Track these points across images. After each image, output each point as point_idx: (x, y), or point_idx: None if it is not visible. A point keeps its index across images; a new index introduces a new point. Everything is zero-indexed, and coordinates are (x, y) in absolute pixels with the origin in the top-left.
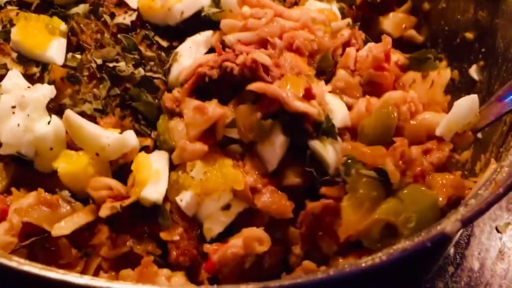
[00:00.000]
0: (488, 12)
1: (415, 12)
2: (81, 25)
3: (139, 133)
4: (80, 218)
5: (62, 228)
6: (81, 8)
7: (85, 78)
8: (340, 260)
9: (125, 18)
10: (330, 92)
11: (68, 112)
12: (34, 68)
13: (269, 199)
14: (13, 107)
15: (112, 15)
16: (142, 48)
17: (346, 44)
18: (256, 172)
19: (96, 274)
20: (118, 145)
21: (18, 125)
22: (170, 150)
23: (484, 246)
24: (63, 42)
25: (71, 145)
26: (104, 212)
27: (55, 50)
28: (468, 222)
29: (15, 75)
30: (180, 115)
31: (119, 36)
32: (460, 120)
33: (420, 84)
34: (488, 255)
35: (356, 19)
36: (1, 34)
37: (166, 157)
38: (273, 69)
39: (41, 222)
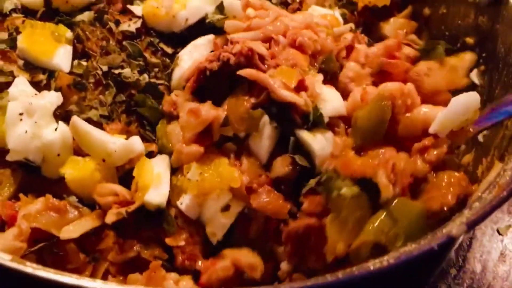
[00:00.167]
0: (488, 18)
1: (415, 17)
2: (87, 33)
3: (144, 139)
4: (87, 222)
5: (70, 231)
6: (86, 16)
7: (91, 84)
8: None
9: (130, 25)
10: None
11: (75, 119)
12: (41, 75)
13: (265, 199)
14: (21, 114)
15: (117, 22)
16: (147, 54)
17: (350, 47)
18: (253, 171)
19: (104, 278)
20: (124, 151)
21: (26, 131)
22: (170, 154)
23: (486, 248)
24: (69, 49)
25: (78, 151)
26: (110, 218)
27: (61, 58)
28: (473, 225)
29: (22, 82)
30: (178, 118)
31: (124, 43)
32: (456, 117)
33: (438, 71)
34: (490, 257)
35: (357, 25)
36: (7, 41)
37: (167, 161)
38: (269, 59)
39: (50, 227)
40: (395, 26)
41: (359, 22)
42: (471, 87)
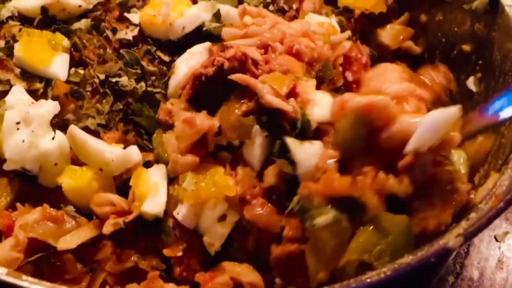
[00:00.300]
0: (484, 25)
1: (412, 23)
2: (84, 41)
3: (141, 148)
4: (85, 232)
5: (68, 242)
6: (83, 24)
7: (88, 93)
8: None
9: (127, 33)
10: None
11: (72, 128)
12: (38, 84)
13: (259, 211)
14: (18, 123)
15: (114, 30)
16: (144, 63)
17: (347, 56)
18: (247, 182)
19: None
20: (122, 160)
21: (23, 141)
22: (167, 163)
23: (483, 255)
24: (66, 57)
25: (75, 161)
26: (108, 228)
27: (58, 66)
28: (470, 237)
29: (18, 91)
30: (173, 127)
31: (121, 51)
32: (433, 135)
33: None
34: (487, 264)
35: (354, 32)
36: (4, 50)
37: (163, 170)
38: (262, 64)
39: (47, 237)
40: (392, 33)
41: (356, 29)
42: (467, 94)
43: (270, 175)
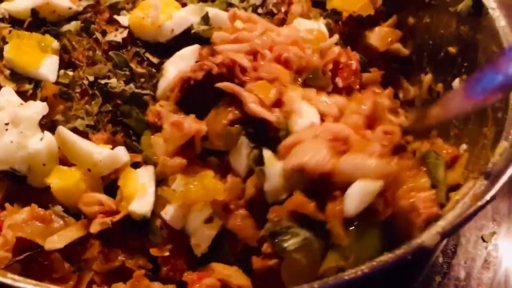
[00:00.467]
0: (469, 27)
1: (400, 26)
2: (73, 43)
3: (130, 149)
4: (72, 232)
5: (55, 242)
6: (73, 26)
7: (77, 94)
8: None
9: (116, 36)
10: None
11: (61, 129)
12: (27, 85)
13: (239, 223)
14: (6, 124)
15: (104, 33)
16: (133, 64)
17: (337, 62)
18: (234, 192)
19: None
20: (110, 161)
21: (11, 141)
22: (155, 165)
23: (470, 255)
24: (55, 59)
25: (64, 161)
26: (95, 227)
27: (48, 68)
28: (446, 235)
29: (8, 92)
30: (162, 129)
31: (110, 53)
32: (360, 204)
33: None
34: (474, 264)
35: (342, 34)
36: None
37: (151, 171)
38: (250, 71)
39: (35, 237)
40: (380, 35)
41: (344, 31)
42: None
43: (250, 187)
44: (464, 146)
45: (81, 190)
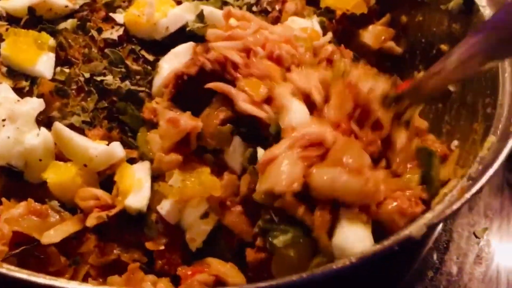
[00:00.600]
0: (460, 25)
1: (393, 24)
2: (69, 40)
3: (126, 145)
4: (68, 227)
5: (52, 236)
6: (69, 24)
7: (73, 91)
8: None
9: (112, 33)
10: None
11: (57, 125)
12: (24, 82)
13: (235, 219)
14: (3, 120)
15: (100, 30)
16: (128, 62)
17: (330, 60)
18: (230, 189)
19: (84, 281)
20: (106, 157)
21: (8, 137)
22: (151, 161)
23: (463, 250)
24: (51, 56)
25: (60, 157)
26: (91, 221)
27: (44, 65)
28: (433, 226)
29: (4, 89)
30: (158, 126)
31: (106, 50)
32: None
33: None
34: (467, 259)
35: (336, 33)
36: None
37: (148, 166)
38: (242, 67)
39: (31, 231)
40: (374, 33)
41: (338, 29)
42: (446, 93)
43: (244, 184)
44: (455, 143)
45: (77, 185)
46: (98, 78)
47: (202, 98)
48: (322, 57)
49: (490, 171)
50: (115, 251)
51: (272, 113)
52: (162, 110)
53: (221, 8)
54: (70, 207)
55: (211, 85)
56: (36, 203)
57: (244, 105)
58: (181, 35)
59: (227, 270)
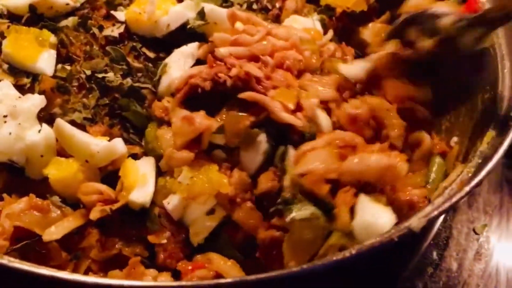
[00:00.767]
0: None
1: (393, 22)
2: (71, 38)
3: (127, 141)
4: (70, 222)
5: (53, 233)
6: (70, 21)
7: (75, 88)
8: None
9: (113, 31)
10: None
11: (59, 121)
12: (25, 79)
13: (245, 215)
14: (5, 116)
15: (101, 28)
16: (130, 59)
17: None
18: (240, 186)
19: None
20: (107, 152)
21: (10, 133)
22: (158, 157)
23: (462, 247)
24: (53, 53)
25: (61, 153)
26: (95, 214)
27: (45, 62)
28: (433, 219)
29: (6, 86)
30: (168, 123)
31: (107, 48)
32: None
33: None
34: (466, 256)
35: (336, 30)
36: None
37: (152, 162)
38: (265, 80)
39: (32, 226)
40: (374, 31)
41: (338, 27)
42: None
43: (264, 182)
44: (455, 139)
45: (78, 181)
46: (100, 75)
47: (213, 102)
48: (325, 56)
49: (490, 165)
50: (116, 245)
51: (305, 121)
52: (175, 108)
53: (221, 5)
54: (72, 203)
55: (245, 95)
56: (38, 199)
57: (284, 115)
58: (182, 32)
59: (228, 267)
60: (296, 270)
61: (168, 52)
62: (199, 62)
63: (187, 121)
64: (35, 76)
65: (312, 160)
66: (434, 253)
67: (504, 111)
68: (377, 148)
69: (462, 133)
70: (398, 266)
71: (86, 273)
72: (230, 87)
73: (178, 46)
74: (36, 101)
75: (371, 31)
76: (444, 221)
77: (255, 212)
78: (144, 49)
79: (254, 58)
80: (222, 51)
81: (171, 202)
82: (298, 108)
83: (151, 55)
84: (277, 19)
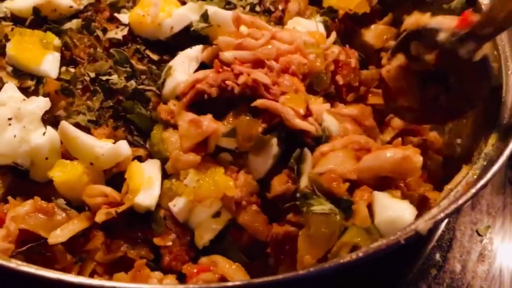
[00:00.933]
0: None
1: (395, 24)
2: (75, 40)
3: (132, 144)
4: (75, 225)
5: (58, 236)
6: (74, 24)
7: (79, 90)
8: None
9: (117, 33)
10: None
11: (63, 123)
12: (29, 81)
13: (250, 218)
14: (10, 119)
15: (105, 30)
16: (133, 61)
17: (337, 61)
18: (246, 189)
19: (91, 278)
20: (112, 155)
21: (15, 136)
22: (163, 160)
23: (466, 248)
24: (57, 56)
25: (66, 155)
26: (100, 217)
27: (49, 64)
28: (439, 221)
29: (10, 88)
30: (174, 126)
31: (111, 50)
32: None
33: None
34: (470, 257)
35: (338, 32)
36: None
37: (158, 165)
38: (272, 87)
39: (38, 229)
40: (376, 33)
41: (340, 29)
42: None
43: (277, 185)
44: (458, 140)
45: (83, 183)
46: (104, 78)
47: (220, 106)
48: (329, 60)
49: (495, 167)
50: (122, 248)
51: (317, 125)
52: (181, 112)
53: (225, 8)
54: (76, 205)
55: (258, 103)
56: (43, 201)
57: (296, 121)
58: (186, 35)
59: (233, 270)
60: (303, 273)
61: (172, 55)
62: (202, 64)
63: (194, 124)
64: (39, 79)
65: (332, 161)
66: (438, 255)
67: (509, 112)
68: (391, 146)
69: (466, 135)
70: (403, 268)
71: (91, 275)
72: (238, 94)
73: (182, 48)
74: (41, 103)
75: (373, 33)
76: (447, 223)
77: (260, 215)
78: (147, 52)
79: (259, 62)
80: (227, 55)
81: (177, 205)
82: (309, 113)
83: (155, 57)
84: (280, 21)
